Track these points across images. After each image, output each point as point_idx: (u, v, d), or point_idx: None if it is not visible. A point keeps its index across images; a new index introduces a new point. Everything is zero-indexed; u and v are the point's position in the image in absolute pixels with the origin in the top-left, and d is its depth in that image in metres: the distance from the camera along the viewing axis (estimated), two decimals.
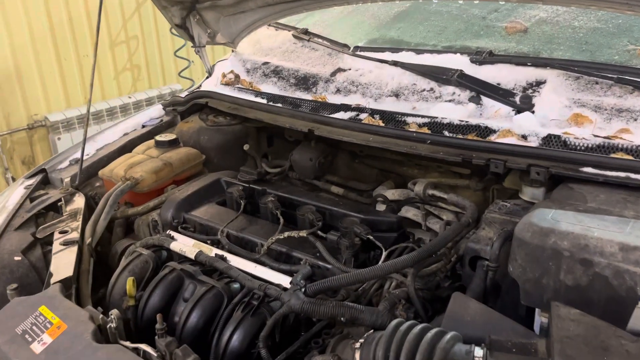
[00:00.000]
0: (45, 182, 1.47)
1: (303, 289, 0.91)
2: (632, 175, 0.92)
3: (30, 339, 0.89)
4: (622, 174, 0.92)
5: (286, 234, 1.07)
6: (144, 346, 0.84)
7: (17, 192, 1.38)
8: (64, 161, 1.53)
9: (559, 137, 1.04)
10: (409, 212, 1.20)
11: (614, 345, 0.72)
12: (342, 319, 0.88)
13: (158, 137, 1.52)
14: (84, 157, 1.44)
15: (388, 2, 1.59)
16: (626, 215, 0.85)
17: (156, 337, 0.85)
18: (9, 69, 2.94)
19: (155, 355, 0.83)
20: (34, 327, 0.91)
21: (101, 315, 0.91)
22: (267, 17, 1.61)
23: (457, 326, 0.82)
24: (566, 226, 0.83)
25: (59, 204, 1.32)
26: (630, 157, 0.95)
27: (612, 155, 0.97)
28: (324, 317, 0.90)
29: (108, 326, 0.89)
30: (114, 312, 0.90)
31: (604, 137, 1.01)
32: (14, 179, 3.02)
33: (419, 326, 0.79)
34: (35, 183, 1.43)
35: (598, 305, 0.79)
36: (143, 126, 1.67)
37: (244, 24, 1.66)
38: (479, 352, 0.76)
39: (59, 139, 3.13)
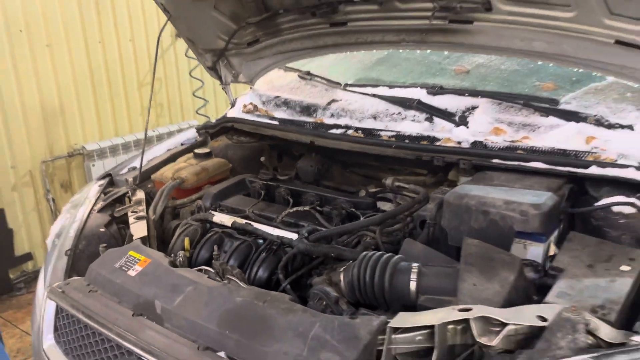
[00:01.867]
0: (111, 183, 1.95)
1: (306, 237, 1.38)
2: (523, 164, 1.40)
3: (126, 269, 1.34)
4: (516, 163, 1.40)
5: (294, 209, 1.55)
6: (204, 268, 1.30)
7: (93, 189, 1.86)
8: (123, 169, 2.02)
9: (481, 142, 1.52)
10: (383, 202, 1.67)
11: (496, 258, 1.18)
12: (332, 255, 1.35)
13: (196, 150, 2.01)
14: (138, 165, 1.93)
15: (371, 51, 2.11)
16: (515, 187, 1.33)
17: (213, 260, 1.31)
18: (54, 105, 3.47)
19: (213, 271, 1.29)
20: (127, 263, 1.37)
21: (172, 255, 1.38)
22: (278, 62, 2.13)
23: (407, 259, 1.28)
24: (474, 192, 1.30)
25: (126, 196, 1.80)
26: (524, 152, 1.43)
27: (513, 152, 1.45)
28: (320, 255, 1.36)
29: (177, 260, 1.35)
30: (181, 253, 1.37)
31: (510, 141, 1.49)
32: (54, 201, 3.50)
33: (379, 253, 1.25)
34: (105, 183, 1.90)
35: (492, 238, 1.24)
36: (182, 144, 2.17)
37: (261, 67, 2.18)
38: (415, 265, 1.22)
39: (93, 165, 3.63)
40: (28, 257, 3.48)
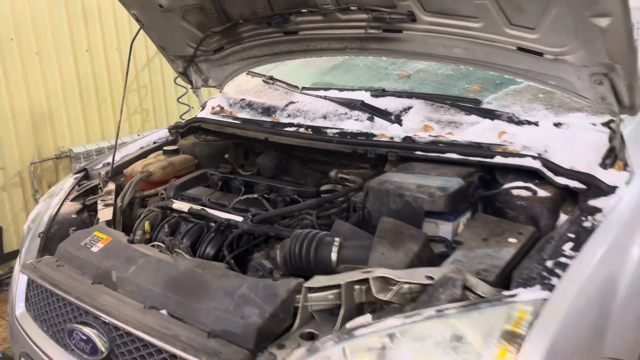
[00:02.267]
0: (86, 177, 2.13)
1: (250, 220, 1.56)
2: (441, 155, 1.59)
3: (89, 246, 1.52)
4: (435, 154, 1.59)
5: (245, 196, 1.73)
6: (157, 243, 1.48)
7: (69, 181, 2.04)
8: (99, 164, 2.20)
9: (410, 137, 1.71)
10: (326, 187, 1.86)
11: (405, 232, 1.36)
12: (271, 234, 1.53)
13: (165, 148, 2.20)
14: (112, 161, 2.11)
15: (326, 57, 2.30)
16: (431, 174, 1.52)
17: (160, 233, 1.49)
18: (42, 110, 3.66)
19: (164, 246, 1.47)
20: (91, 241, 1.55)
21: (131, 234, 1.56)
22: (242, 68, 2.33)
23: (334, 236, 1.46)
24: (394, 179, 1.49)
25: (98, 187, 1.98)
26: (443, 145, 1.62)
27: (434, 145, 1.64)
28: (262, 234, 1.55)
29: (135, 239, 1.54)
30: (139, 232, 1.55)
31: (435, 136, 1.69)
32: None
33: (310, 230, 1.43)
34: (80, 177, 2.09)
35: (406, 218, 1.42)
36: (154, 142, 2.35)
37: (227, 72, 2.37)
38: (337, 239, 1.40)
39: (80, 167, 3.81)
40: (16, 254, 3.62)
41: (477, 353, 1.01)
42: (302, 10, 1.84)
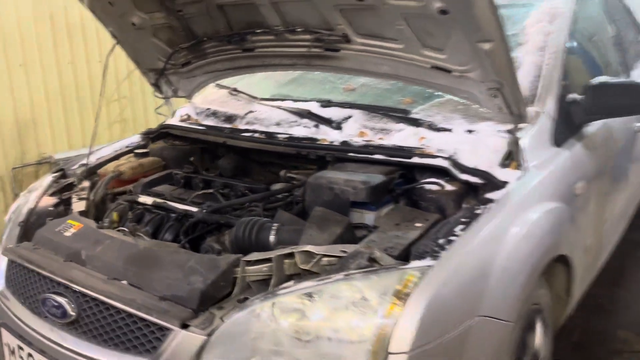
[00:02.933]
0: (64, 176, 2.36)
1: (204, 210, 1.81)
2: (369, 156, 1.85)
3: (63, 231, 1.76)
4: (364, 156, 1.85)
5: (202, 192, 1.98)
6: (121, 228, 1.72)
7: (47, 179, 2.27)
8: (75, 165, 2.43)
9: (347, 141, 1.98)
10: (277, 185, 2.11)
11: (331, 218, 1.61)
12: (222, 222, 1.77)
13: (136, 150, 2.44)
14: (89, 164, 2.35)
15: (285, 72, 2.57)
16: (358, 172, 1.78)
17: (127, 223, 1.73)
18: (27, 118, 3.88)
19: (127, 230, 1.71)
20: (65, 227, 1.78)
21: (99, 222, 1.80)
22: (208, 80, 2.58)
23: (275, 223, 1.71)
24: (328, 175, 1.75)
25: (74, 184, 2.22)
26: (372, 148, 1.89)
27: (365, 148, 1.90)
28: (214, 222, 1.79)
29: (103, 225, 1.77)
30: (107, 220, 1.79)
31: (367, 141, 1.95)
32: None
33: (254, 217, 1.68)
34: (58, 175, 2.32)
35: (336, 207, 1.67)
36: (127, 147, 2.59)
37: (195, 84, 2.63)
38: (275, 224, 1.65)
39: None
40: None
41: (374, 308, 1.27)
42: (257, 31, 2.11)
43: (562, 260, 1.86)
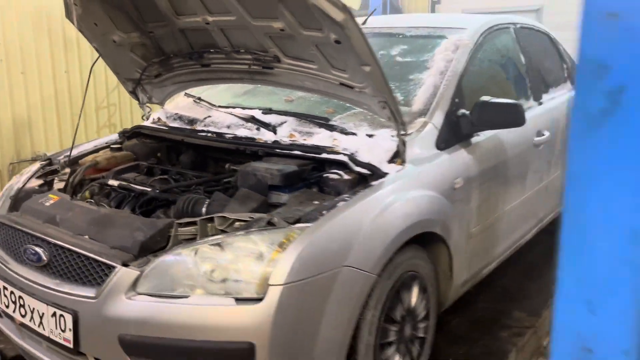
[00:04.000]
0: (50, 164, 2.84)
1: (157, 190, 2.28)
2: (290, 152, 2.33)
3: (44, 203, 2.23)
4: (287, 152, 2.34)
5: (159, 177, 2.46)
6: (89, 200, 2.20)
7: (35, 166, 2.75)
8: (61, 156, 2.92)
9: (277, 141, 2.46)
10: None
11: (252, 196, 2.09)
12: (169, 199, 2.25)
13: (112, 146, 2.92)
14: (71, 156, 2.83)
15: (241, 84, 3.07)
16: (279, 163, 2.26)
17: (95, 197, 2.22)
18: (23, 120, 4.38)
19: (94, 202, 2.19)
20: (46, 200, 2.25)
21: (73, 196, 2.28)
22: (177, 90, 3.08)
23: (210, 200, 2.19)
24: (255, 165, 2.23)
25: (57, 170, 2.70)
26: (295, 146, 2.37)
27: (290, 146, 2.39)
28: (163, 199, 2.27)
29: (76, 199, 2.25)
30: (79, 195, 2.27)
31: (293, 141, 2.43)
32: None
33: (193, 195, 2.16)
34: (45, 163, 2.80)
35: (259, 190, 2.15)
36: (106, 143, 3.08)
37: (166, 93, 3.12)
38: (208, 200, 2.13)
39: None
40: None
41: (263, 255, 1.74)
42: (211, 50, 2.61)
43: (444, 242, 2.33)
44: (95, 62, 2.93)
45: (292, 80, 2.48)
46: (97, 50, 2.92)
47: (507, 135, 2.81)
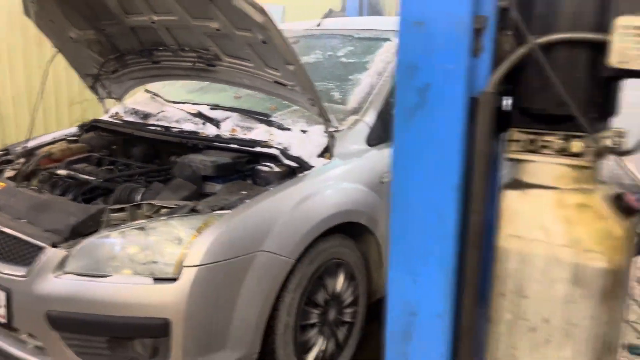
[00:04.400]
0: (7, 154, 2.97)
1: (100, 180, 2.41)
2: (228, 145, 2.47)
3: None
4: (224, 145, 2.47)
5: (105, 168, 2.59)
6: (32, 187, 2.33)
7: None
8: (19, 147, 3.04)
9: (219, 135, 2.60)
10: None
11: (184, 186, 2.22)
12: (110, 187, 2.38)
13: (69, 137, 3.05)
14: (30, 146, 2.96)
15: (190, 80, 3.21)
16: (214, 155, 2.39)
17: (39, 184, 2.34)
18: None
19: (37, 189, 2.31)
20: None
21: (21, 183, 2.41)
22: (134, 85, 3.21)
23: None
24: (192, 156, 2.36)
25: (12, 160, 2.82)
26: (233, 140, 2.50)
27: (228, 139, 2.52)
28: (105, 188, 2.39)
29: (21, 186, 2.38)
30: (25, 183, 2.39)
31: (233, 135, 2.57)
32: None
33: (129, 184, 2.29)
34: (2, 153, 2.93)
35: (192, 179, 2.29)
36: (65, 135, 3.20)
37: (124, 88, 3.25)
38: (143, 188, 2.26)
39: None
40: None
41: (182, 239, 1.88)
42: (160, 48, 2.75)
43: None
44: (54, 58, 3.06)
45: (233, 77, 2.62)
46: (55, 46, 3.05)
47: None
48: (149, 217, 2.05)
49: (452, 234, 1.07)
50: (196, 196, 2.22)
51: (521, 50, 1.03)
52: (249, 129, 2.61)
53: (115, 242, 1.92)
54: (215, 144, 2.50)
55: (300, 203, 2.11)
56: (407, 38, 1.11)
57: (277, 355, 2.07)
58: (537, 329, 0.98)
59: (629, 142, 1.02)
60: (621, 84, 1.04)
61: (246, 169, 2.39)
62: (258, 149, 2.39)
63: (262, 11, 1.92)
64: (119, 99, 3.36)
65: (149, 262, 1.88)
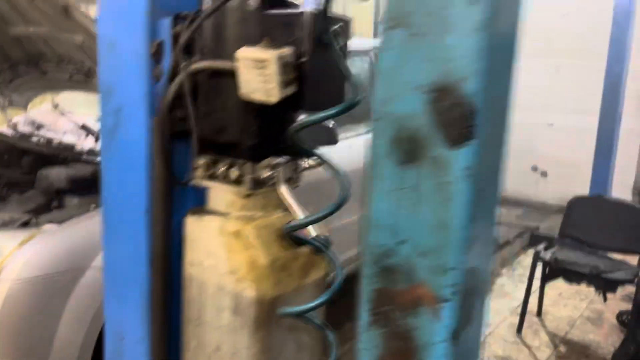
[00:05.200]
0: None
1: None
2: (94, 159, 2.45)
3: None
4: (93, 158, 2.45)
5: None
6: None
7: None
8: None
9: (92, 148, 2.58)
10: None
11: (32, 199, 2.20)
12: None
13: None
14: None
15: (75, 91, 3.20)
16: (76, 169, 2.37)
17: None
18: None
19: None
20: None
21: None
22: (33, 95, 3.20)
23: None
24: (50, 169, 2.34)
25: None
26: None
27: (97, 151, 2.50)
28: None
29: None
30: None
31: None
32: None
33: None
34: None
35: (49, 193, 2.27)
36: None
37: (25, 97, 3.24)
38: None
39: None
40: None
41: (2, 251, 1.84)
42: (44, 59, 2.74)
43: None
44: None
45: None
46: None
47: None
48: None
49: (145, 259, 1.05)
50: (45, 209, 2.19)
51: (180, 77, 1.02)
52: None
53: None
54: (83, 157, 2.49)
55: None
56: (104, 59, 1.10)
57: None
58: (211, 357, 0.96)
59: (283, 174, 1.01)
60: (294, 113, 1.04)
61: None
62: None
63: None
64: (24, 107, 3.34)
65: None
